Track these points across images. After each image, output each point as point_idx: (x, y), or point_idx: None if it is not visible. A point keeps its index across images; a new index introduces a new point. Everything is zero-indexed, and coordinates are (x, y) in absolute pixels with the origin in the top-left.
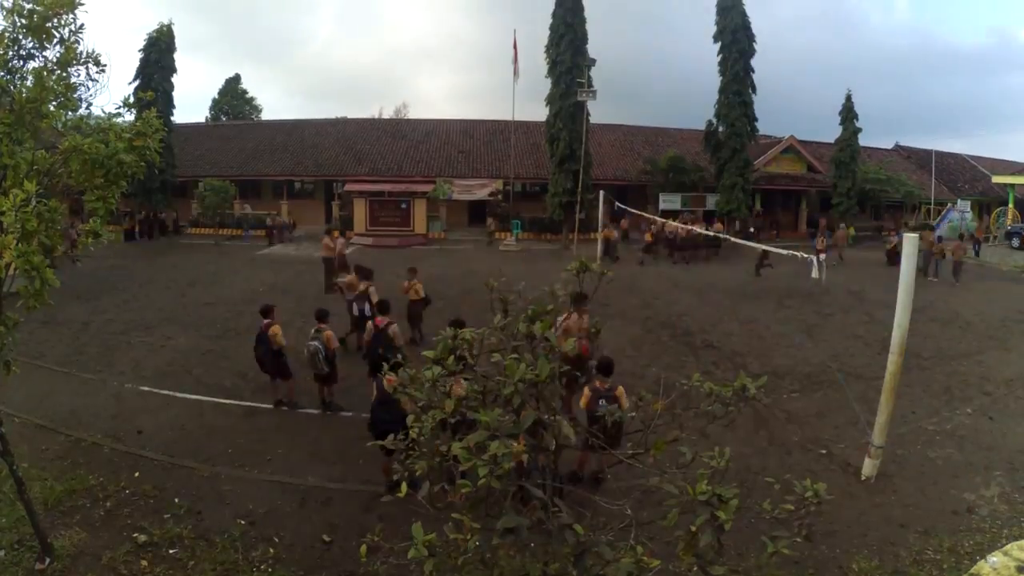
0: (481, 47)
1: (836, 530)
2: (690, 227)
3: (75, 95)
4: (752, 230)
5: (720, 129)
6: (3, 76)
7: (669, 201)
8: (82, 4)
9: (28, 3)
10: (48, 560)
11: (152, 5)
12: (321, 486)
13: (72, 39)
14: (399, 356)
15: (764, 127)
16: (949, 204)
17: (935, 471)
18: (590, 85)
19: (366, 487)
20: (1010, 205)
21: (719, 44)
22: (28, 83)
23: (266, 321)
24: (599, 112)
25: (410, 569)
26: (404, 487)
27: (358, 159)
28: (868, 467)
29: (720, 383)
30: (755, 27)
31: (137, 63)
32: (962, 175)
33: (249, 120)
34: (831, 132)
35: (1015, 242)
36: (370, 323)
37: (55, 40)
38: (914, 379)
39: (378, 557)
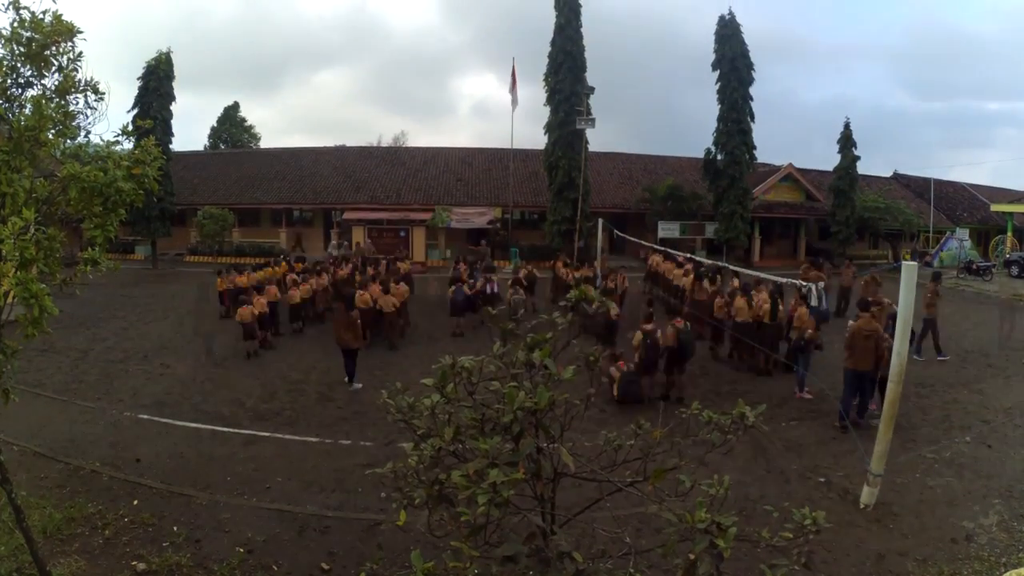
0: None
1: (835, 558)
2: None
3: (74, 123)
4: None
5: (719, 157)
6: (1, 104)
7: (668, 229)
8: (80, 32)
9: (27, 31)
10: None
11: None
12: (320, 514)
13: (71, 67)
14: None
15: (763, 155)
16: (948, 232)
17: (934, 499)
18: (589, 113)
19: (365, 515)
20: (1008, 233)
21: (718, 72)
22: (26, 111)
23: None
24: (598, 140)
25: None
26: (403, 515)
27: (357, 187)
28: (867, 495)
29: (719, 411)
30: None
31: (136, 91)
32: (961, 203)
33: (248, 148)
34: (830, 160)
35: (1014, 270)
36: None
37: (53, 68)
38: (913, 408)
39: None
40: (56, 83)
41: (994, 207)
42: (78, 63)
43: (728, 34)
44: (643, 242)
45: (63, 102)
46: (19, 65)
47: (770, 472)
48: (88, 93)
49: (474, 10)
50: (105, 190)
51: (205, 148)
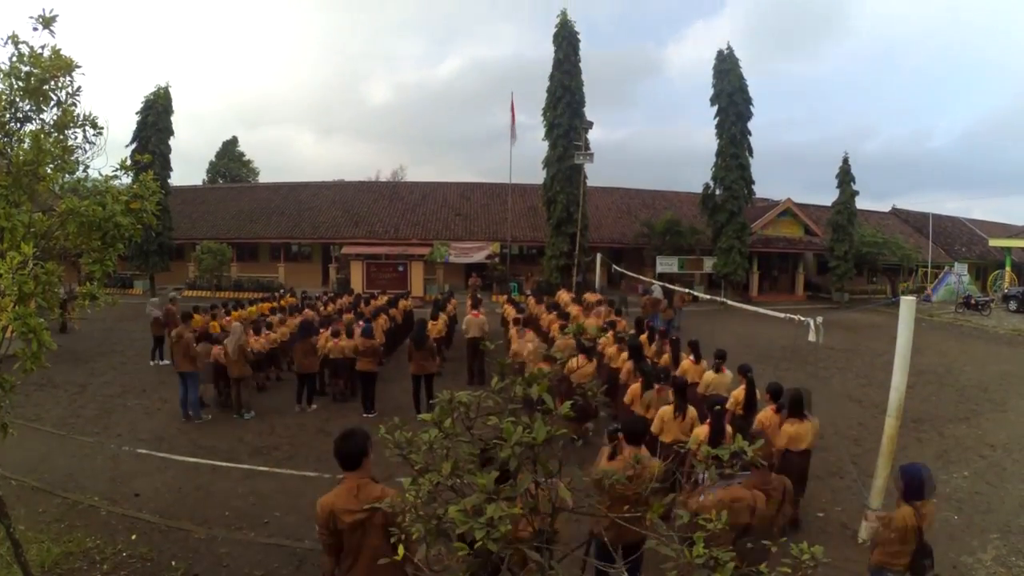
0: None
1: None
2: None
3: (72, 157)
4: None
5: (717, 192)
6: (0, 138)
7: (666, 264)
8: (79, 67)
9: (25, 66)
10: None
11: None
12: (318, 549)
13: (69, 101)
14: None
15: (761, 189)
16: (946, 267)
17: (932, 534)
18: (587, 148)
19: None
20: (1007, 268)
21: (716, 107)
22: (25, 145)
23: None
24: (596, 174)
25: None
26: (401, 550)
27: (355, 222)
28: (865, 530)
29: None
30: None
31: (135, 125)
32: (959, 238)
33: (246, 182)
34: (829, 195)
35: (1012, 305)
36: None
37: (52, 102)
38: (911, 442)
39: None
40: (55, 118)
41: (992, 242)
42: (77, 98)
43: (726, 69)
44: (641, 276)
45: (62, 136)
46: (18, 100)
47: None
48: (87, 127)
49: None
50: (104, 224)
51: (204, 182)
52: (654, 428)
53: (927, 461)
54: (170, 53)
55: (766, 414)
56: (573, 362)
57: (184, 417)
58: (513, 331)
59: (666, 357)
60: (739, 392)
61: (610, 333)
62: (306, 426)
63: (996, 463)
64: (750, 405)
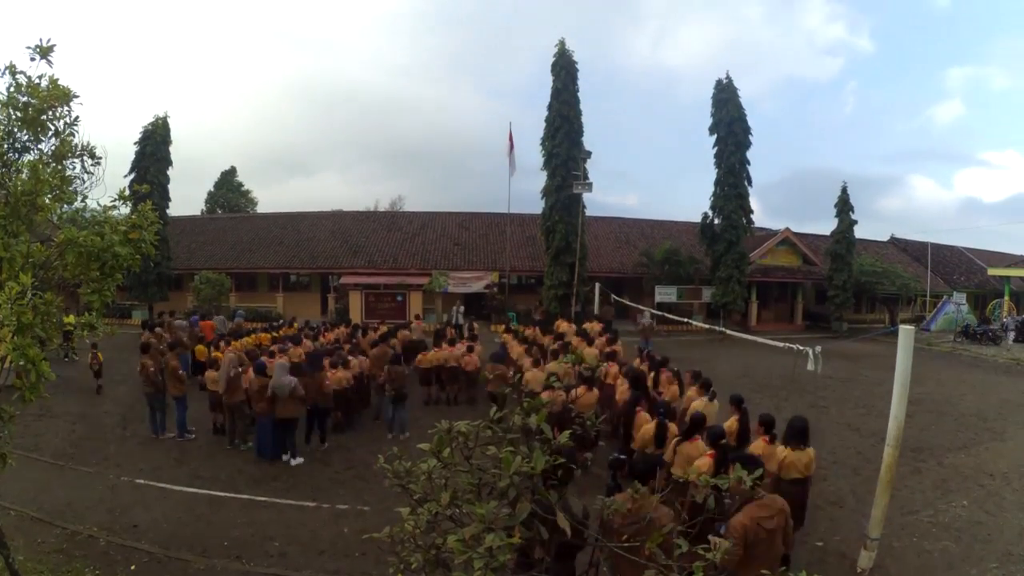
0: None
1: None
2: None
3: (70, 187)
4: None
5: (716, 221)
6: None
7: (665, 294)
8: (77, 97)
9: (23, 96)
10: None
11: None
12: None
13: (67, 131)
14: None
15: (760, 219)
16: (945, 296)
17: (931, 563)
18: (586, 177)
19: None
20: (1006, 297)
21: (715, 136)
22: (23, 176)
23: None
24: (595, 204)
25: None
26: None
27: (354, 252)
28: (864, 559)
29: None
30: None
31: (133, 156)
32: (958, 267)
33: (245, 213)
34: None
35: (1011, 334)
36: None
37: (50, 133)
38: (909, 471)
39: None
40: (53, 148)
41: (991, 271)
42: (75, 127)
43: (725, 98)
44: (640, 306)
45: (60, 167)
46: (16, 130)
47: None
48: (85, 158)
49: None
50: (102, 255)
51: (202, 213)
52: (666, 456)
53: (926, 490)
54: (170, 81)
55: (758, 445)
56: (577, 391)
57: (153, 435)
58: (527, 361)
59: (672, 389)
60: (731, 423)
61: (611, 363)
62: (305, 456)
63: (995, 492)
64: (743, 436)
